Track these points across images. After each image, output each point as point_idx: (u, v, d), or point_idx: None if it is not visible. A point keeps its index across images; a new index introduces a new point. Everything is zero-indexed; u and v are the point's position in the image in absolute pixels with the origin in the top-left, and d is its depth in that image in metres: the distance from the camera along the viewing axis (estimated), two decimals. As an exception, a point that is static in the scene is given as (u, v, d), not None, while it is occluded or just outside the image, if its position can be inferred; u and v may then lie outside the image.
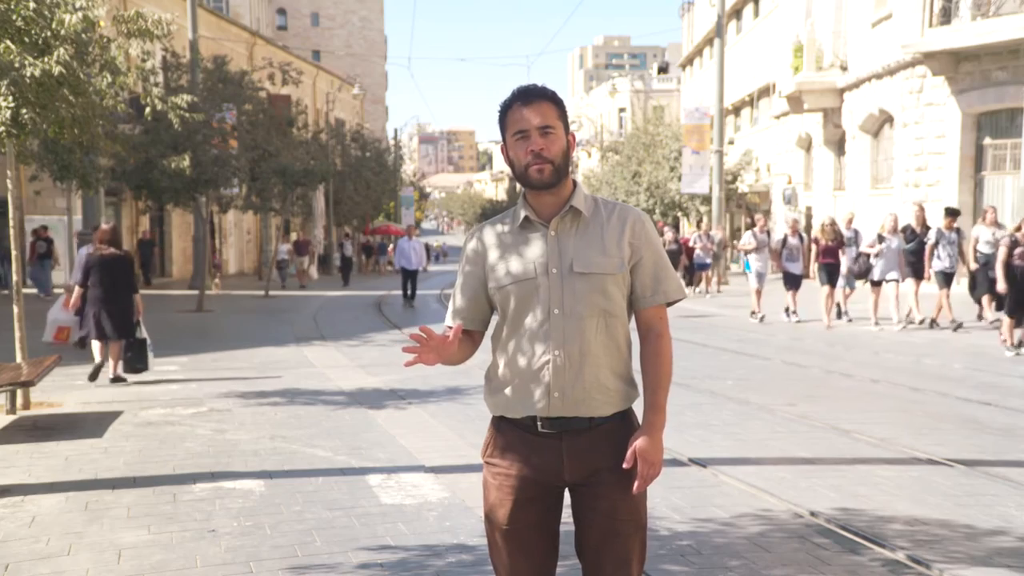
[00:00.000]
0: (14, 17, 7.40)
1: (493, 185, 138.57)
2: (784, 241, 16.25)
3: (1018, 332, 11.84)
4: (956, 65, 21.37)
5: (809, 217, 29.63)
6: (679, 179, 32.76)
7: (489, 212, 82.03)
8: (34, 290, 21.87)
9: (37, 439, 7.37)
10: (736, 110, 40.66)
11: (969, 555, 4.61)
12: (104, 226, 10.95)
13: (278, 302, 23.32)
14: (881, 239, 14.71)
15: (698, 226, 30.22)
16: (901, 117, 23.46)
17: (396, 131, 64.00)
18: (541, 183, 2.62)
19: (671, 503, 5.44)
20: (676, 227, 32.10)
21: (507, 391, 2.66)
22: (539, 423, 2.63)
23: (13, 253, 8.85)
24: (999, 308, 13.11)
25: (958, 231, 14.64)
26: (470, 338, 2.78)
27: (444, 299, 23.47)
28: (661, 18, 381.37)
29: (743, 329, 15.64)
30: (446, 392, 9.41)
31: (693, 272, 24.19)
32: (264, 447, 7.01)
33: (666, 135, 36.57)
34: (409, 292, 21.39)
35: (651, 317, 2.70)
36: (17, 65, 7.26)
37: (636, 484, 2.60)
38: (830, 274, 15.54)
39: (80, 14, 7.63)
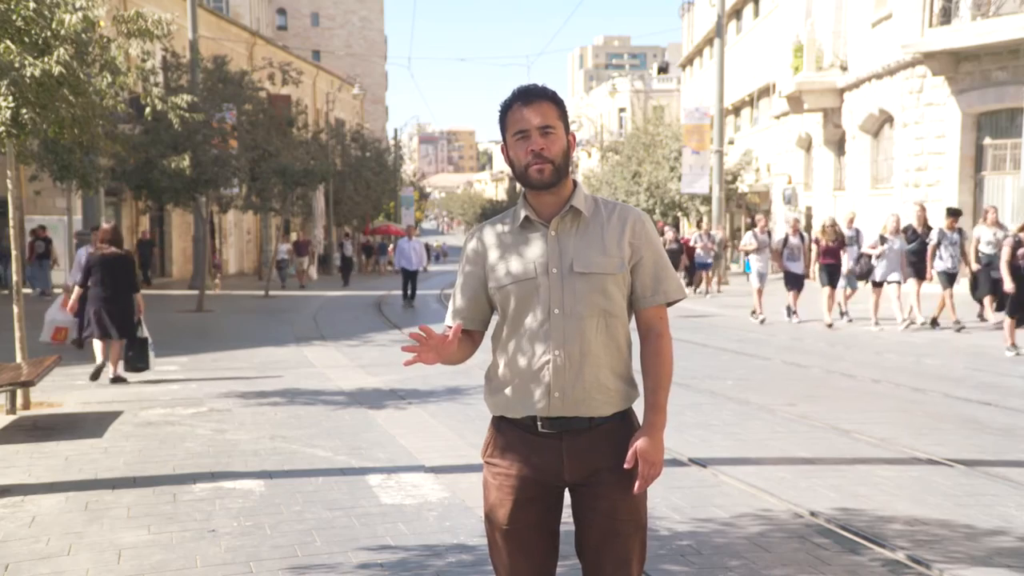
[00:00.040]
0: (14, 17, 7.40)
1: (493, 185, 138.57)
2: (785, 241, 16.23)
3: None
4: (956, 65, 21.37)
5: (809, 217, 29.63)
6: (679, 179, 32.77)
7: (489, 212, 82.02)
8: (38, 289, 21.88)
9: (37, 439, 7.37)
10: (736, 110, 40.66)
11: (969, 555, 4.61)
12: (105, 225, 10.97)
13: (278, 302, 23.32)
14: (883, 240, 14.69)
15: (698, 226, 30.22)
16: (901, 117, 23.46)
17: (396, 131, 64.05)
18: (541, 183, 2.62)
19: (671, 503, 5.44)
20: (676, 227, 32.09)
21: (507, 391, 2.66)
22: (539, 423, 2.63)
23: (13, 253, 8.85)
24: (999, 308, 13.11)
25: (960, 231, 14.62)
26: (470, 338, 2.78)
27: (444, 299, 23.47)
28: (661, 18, 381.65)
29: (743, 329, 15.64)
30: (446, 392, 9.41)
31: (694, 272, 24.18)
32: (264, 447, 7.01)
33: (666, 135, 36.57)
34: (409, 292, 21.39)
35: (651, 317, 2.70)
36: (17, 65, 7.26)
37: (637, 484, 2.60)
38: (831, 275, 15.54)
39: (80, 14, 7.64)
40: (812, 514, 5.23)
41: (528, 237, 2.67)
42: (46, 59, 7.39)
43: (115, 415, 8.25)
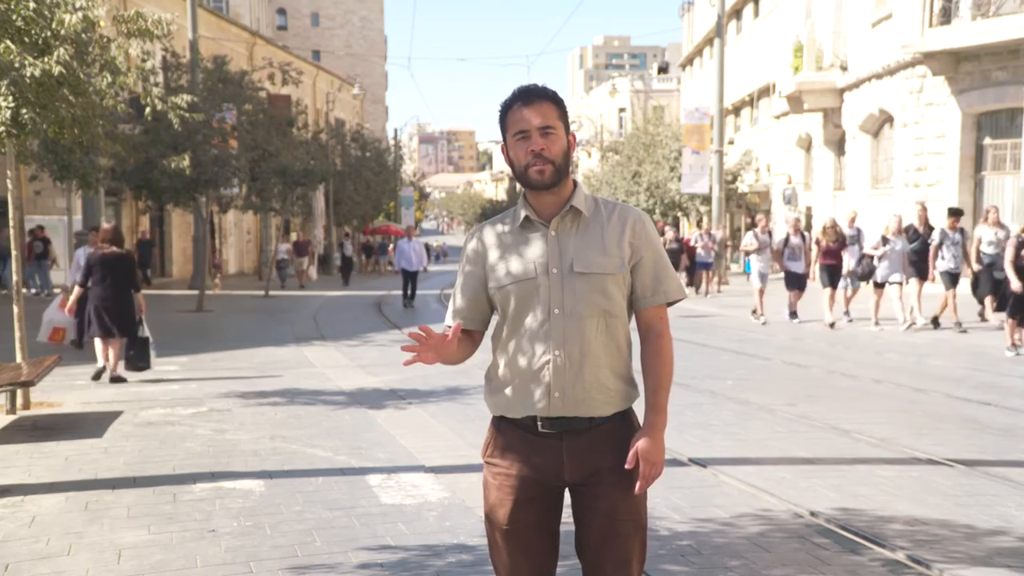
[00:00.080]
0: (14, 17, 7.40)
1: (493, 185, 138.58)
2: (786, 240, 16.20)
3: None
4: (956, 65, 21.38)
5: (809, 217, 29.64)
6: (679, 179, 32.77)
7: (489, 212, 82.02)
8: (33, 290, 21.88)
9: (37, 439, 7.37)
10: (736, 110, 40.67)
11: (969, 555, 4.61)
12: (106, 225, 10.98)
13: (278, 302, 23.32)
14: (885, 241, 14.66)
15: (698, 225, 30.22)
16: (901, 117, 23.46)
17: (396, 131, 64.04)
18: (542, 184, 2.62)
19: (671, 503, 5.44)
20: (676, 227, 32.10)
21: (507, 391, 2.66)
22: (539, 423, 2.63)
23: (13, 253, 8.85)
24: (999, 309, 13.08)
25: (962, 231, 14.59)
26: (470, 338, 2.78)
27: (444, 299, 23.47)
28: (661, 18, 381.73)
29: (743, 329, 15.64)
30: (446, 392, 9.41)
31: (695, 271, 24.17)
32: (264, 447, 7.01)
33: (666, 135, 36.58)
34: (409, 292, 21.39)
35: (651, 317, 2.70)
36: (17, 65, 7.26)
37: (638, 484, 2.60)
38: (832, 275, 15.53)
39: (80, 14, 7.63)
40: (812, 514, 5.23)
41: (528, 237, 2.67)
42: (46, 59, 7.39)
43: (115, 415, 8.25)
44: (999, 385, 9.76)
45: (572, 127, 2.73)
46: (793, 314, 16.18)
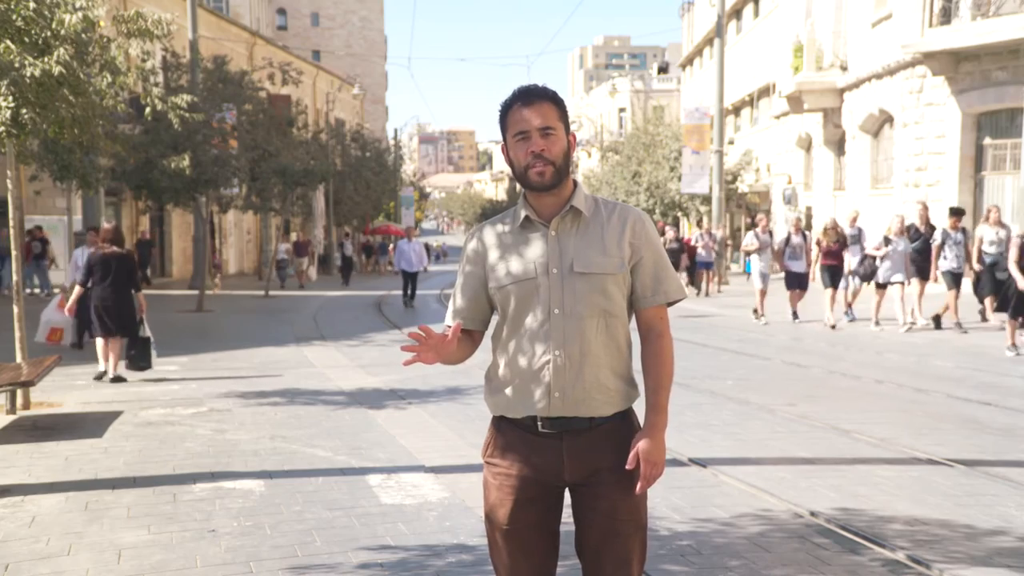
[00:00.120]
0: (14, 17, 7.40)
1: (493, 185, 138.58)
2: (787, 240, 16.19)
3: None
4: (956, 65, 21.37)
5: (809, 217, 29.64)
6: (679, 179, 32.77)
7: (489, 212, 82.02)
8: (36, 290, 21.88)
9: (37, 439, 7.37)
10: (736, 110, 40.67)
11: (969, 555, 4.61)
12: (106, 225, 10.99)
13: (278, 302, 23.32)
14: (887, 241, 14.63)
15: (698, 225, 30.20)
16: (901, 117, 23.46)
17: (396, 131, 64.04)
18: (542, 185, 2.62)
19: (671, 503, 5.44)
20: (676, 226, 32.12)
21: (507, 391, 2.66)
22: (539, 423, 2.63)
23: (13, 253, 8.86)
24: (1000, 309, 13.06)
25: (963, 231, 14.56)
26: (470, 337, 2.78)
27: (444, 299, 23.47)
28: (661, 18, 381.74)
29: (743, 329, 15.64)
30: (446, 392, 9.41)
31: (695, 271, 24.16)
32: (264, 447, 7.01)
33: (666, 135, 36.58)
34: (409, 293, 21.40)
35: (652, 317, 2.70)
36: (17, 65, 7.26)
37: (639, 485, 2.60)
38: (833, 275, 15.51)
39: (80, 14, 7.63)
40: (812, 514, 5.23)
41: (528, 237, 2.67)
42: (46, 59, 7.39)
43: (115, 415, 8.25)
44: (999, 385, 9.76)
45: (572, 127, 2.73)
46: (794, 314, 16.16)
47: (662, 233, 22.78)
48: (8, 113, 7.40)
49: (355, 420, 8.07)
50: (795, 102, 28.53)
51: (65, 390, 9.57)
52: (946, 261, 14.34)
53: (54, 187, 20.20)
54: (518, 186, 2.72)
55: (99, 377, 10.15)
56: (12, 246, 8.90)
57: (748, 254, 18.15)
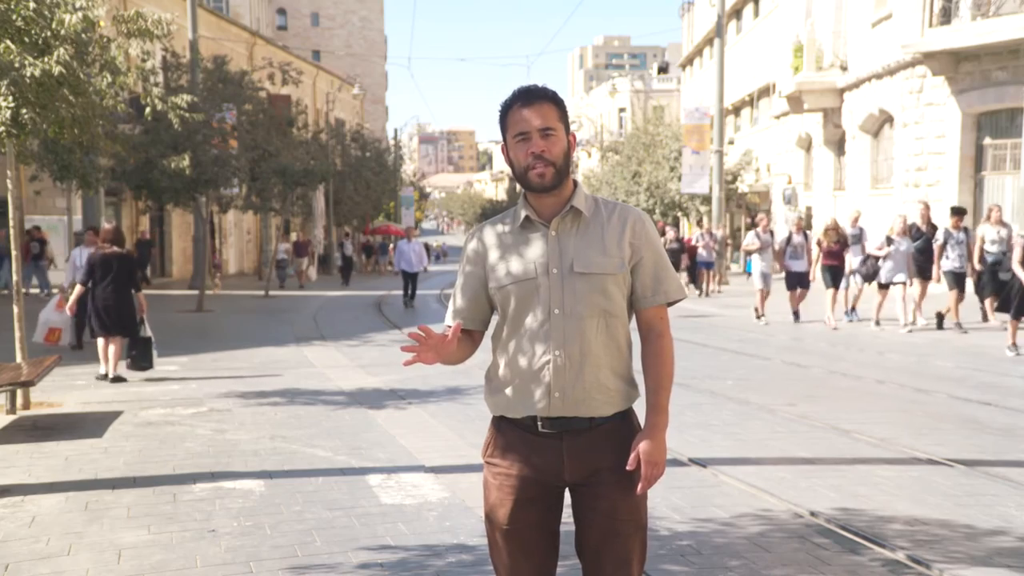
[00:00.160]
0: (14, 17, 7.40)
1: (493, 185, 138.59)
2: (788, 239, 16.15)
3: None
4: (956, 65, 21.37)
5: (809, 217, 29.63)
6: (679, 179, 32.77)
7: (489, 212, 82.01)
8: (36, 290, 21.88)
9: (37, 439, 7.37)
10: (736, 110, 40.66)
11: (969, 555, 4.61)
12: (107, 225, 11.00)
13: (278, 302, 23.32)
14: (890, 241, 14.60)
15: (699, 225, 30.19)
16: (901, 117, 23.46)
17: (396, 131, 64.04)
18: (542, 186, 2.62)
19: (671, 503, 5.44)
20: (676, 226, 32.12)
21: (507, 391, 2.66)
22: (539, 423, 2.63)
23: (13, 253, 8.86)
24: (1001, 309, 13.04)
25: (965, 230, 14.53)
26: (470, 337, 2.78)
27: (444, 299, 23.47)
28: (661, 18, 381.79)
29: (743, 329, 15.63)
30: (446, 392, 9.41)
31: (696, 271, 24.15)
32: (264, 447, 7.01)
33: (666, 135, 36.58)
34: (409, 293, 21.41)
35: (652, 317, 2.70)
36: (17, 65, 7.26)
37: (640, 485, 2.60)
38: (834, 276, 15.49)
39: (80, 14, 7.63)
40: (812, 514, 5.23)
41: (528, 237, 2.67)
42: (46, 59, 7.39)
43: (115, 415, 8.25)
44: (999, 385, 9.76)
45: (572, 127, 2.73)
46: (795, 315, 16.13)
47: (662, 233, 22.77)
48: (8, 113, 7.40)
49: (355, 420, 8.07)
50: (795, 102, 28.53)
51: (65, 390, 9.57)
52: (948, 261, 14.30)
53: (54, 187, 20.20)
54: (518, 186, 2.72)
55: (102, 378, 10.16)
56: (12, 246, 8.91)
57: (749, 254, 18.12)
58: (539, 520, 2.68)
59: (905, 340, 13.50)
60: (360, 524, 5.12)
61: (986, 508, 5.37)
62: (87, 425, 7.89)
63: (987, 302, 14.54)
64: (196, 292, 21.10)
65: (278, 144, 21.72)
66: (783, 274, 16.68)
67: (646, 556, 2.73)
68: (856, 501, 5.51)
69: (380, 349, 13.52)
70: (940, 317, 14.55)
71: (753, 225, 19.69)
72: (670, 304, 2.73)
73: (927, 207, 15.53)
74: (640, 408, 2.68)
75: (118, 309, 10.08)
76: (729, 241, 30.42)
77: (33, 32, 7.51)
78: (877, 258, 14.75)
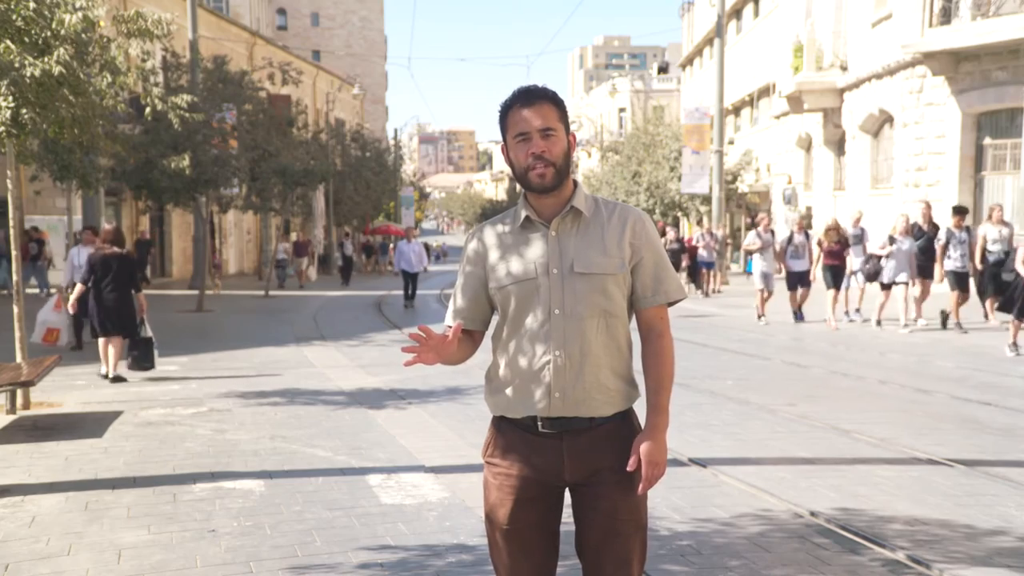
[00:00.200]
0: (14, 17, 7.40)
1: (493, 185, 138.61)
2: (790, 238, 16.11)
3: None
4: (956, 65, 21.37)
5: (809, 217, 29.63)
6: (679, 179, 32.77)
7: (489, 212, 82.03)
8: (35, 290, 21.88)
9: (37, 439, 7.37)
10: (736, 110, 40.66)
11: (969, 555, 4.61)
12: (107, 226, 11.00)
13: (278, 302, 23.32)
14: (892, 240, 14.56)
15: (699, 224, 30.19)
16: (901, 117, 23.46)
17: (396, 131, 64.04)
18: (542, 187, 2.62)
19: (671, 503, 5.44)
20: (676, 226, 32.10)
21: (508, 391, 2.66)
22: (540, 423, 2.63)
23: (13, 253, 8.86)
24: (1003, 309, 13.02)
25: (968, 229, 14.49)
26: (470, 338, 2.78)
27: (444, 299, 23.48)
28: (661, 18, 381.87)
29: (743, 329, 15.63)
30: (446, 392, 9.41)
31: (697, 271, 24.15)
32: (264, 447, 7.02)
33: (666, 135, 36.58)
34: (410, 293, 21.42)
35: (652, 317, 2.70)
36: (17, 65, 7.26)
37: (641, 485, 2.60)
38: (835, 276, 15.46)
39: (80, 14, 7.63)
40: (812, 514, 5.23)
41: (528, 237, 2.67)
42: (46, 59, 7.39)
43: (115, 415, 8.25)
44: (999, 385, 9.76)
45: (572, 127, 2.73)
46: (796, 315, 16.08)
47: (663, 233, 22.75)
48: (8, 113, 7.40)
49: (355, 420, 8.07)
50: (795, 102, 28.53)
51: (65, 390, 9.57)
52: (950, 260, 14.26)
53: (54, 187, 20.19)
54: (518, 186, 2.72)
55: (104, 377, 10.17)
56: (12, 246, 8.91)
57: (750, 253, 18.09)
58: (539, 520, 2.68)
59: (905, 340, 13.50)
60: (360, 524, 5.12)
61: (986, 508, 5.37)
62: (87, 425, 7.89)
63: (988, 302, 14.53)
64: (196, 292, 21.10)
65: (278, 144, 21.72)
66: (784, 274, 16.64)
67: (646, 556, 2.73)
68: (856, 501, 5.51)
69: (380, 349, 13.52)
70: (945, 316, 14.50)
71: (753, 225, 19.67)
72: (670, 304, 2.73)
73: (928, 206, 15.49)
74: (640, 408, 2.68)
75: (118, 310, 10.10)
76: (729, 241, 30.42)
77: (33, 32, 7.51)
78: (880, 257, 14.71)
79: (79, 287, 10.19)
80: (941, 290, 15.10)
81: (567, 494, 2.72)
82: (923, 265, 14.64)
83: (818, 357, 12.07)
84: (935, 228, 14.96)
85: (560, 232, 2.65)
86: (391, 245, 47.00)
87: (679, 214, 36.98)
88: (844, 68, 26.92)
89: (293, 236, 36.42)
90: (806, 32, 27.81)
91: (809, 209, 30.22)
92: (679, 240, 24.53)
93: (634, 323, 2.76)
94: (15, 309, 8.71)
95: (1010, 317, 12.06)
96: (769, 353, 12.54)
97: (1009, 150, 21.11)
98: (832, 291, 15.42)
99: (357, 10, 70.53)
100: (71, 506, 5.51)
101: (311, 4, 69.19)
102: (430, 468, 6.32)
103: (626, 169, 37.71)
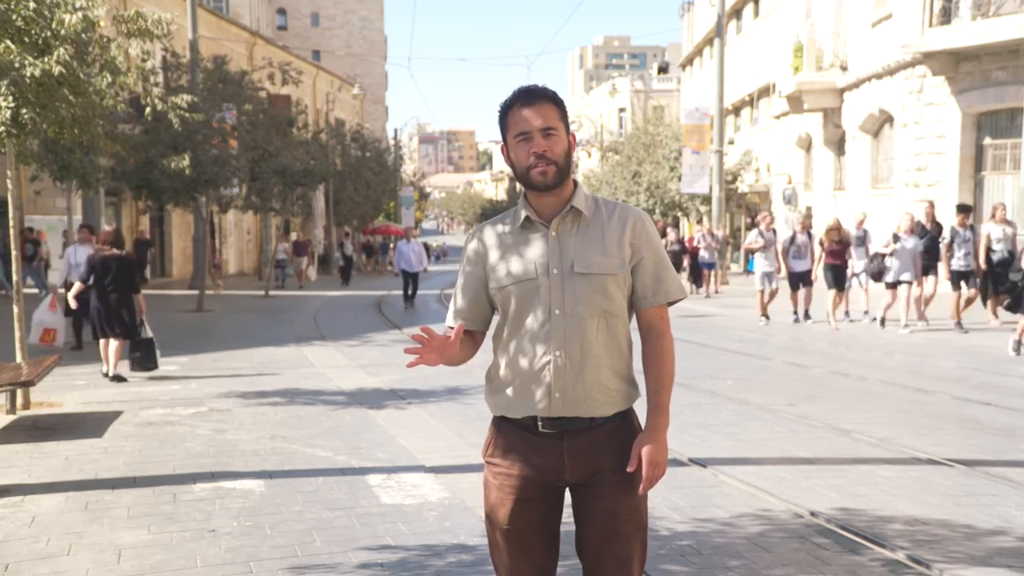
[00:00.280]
0: (14, 17, 7.40)
1: (493, 185, 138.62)
2: (793, 238, 16.07)
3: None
4: (956, 65, 21.37)
5: (809, 217, 29.62)
6: (679, 179, 32.77)
7: (489, 212, 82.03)
8: (34, 291, 21.89)
9: (37, 439, 7.37)
10: (736, 110, 40.66)
11: (969, 555, 4.61)
12: (107, 227, 11.01)
13: (278, 302, 23.32)
14: (896, 239, 14.52)
15: (699, 224, 30.17)
16: (901, 117, 23.46)
17: (396, 131, 64.05)
18: (544, 185, 2.62)
19: (671, 503, 5.44)
20: (676, 227, 32.08)
21: (508, 391, 2.66)
22: (540, 423, 2.63)
23: (13, 253, 8.86)
24: (1011, 308, 12.98)
25: (972, 228, 14.44)
26: (471, 338, 2.78)
27: (444, 299, 23.48)
28: (661, 18, 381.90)
29: (743, 329, 15.62)
30: (446, 392, 9.41)
31: (698, 272, 24.14)
32: (264, 447, 7.01)
33: (666, 135, 36.58)
34: (410, 293, 21.42)
35: (652, 317, 2.70)
36: (17, 65, 7.26)
37: (641, 486, 2.60)
38: (836, 276, 15.43)
39: (80, 14, 7.63)
40: (812, 514, 5.23)
41: (528, 237, 2.67)
42: (46, 59, 7.39)
43: (115, 415, 8.25)
44: (999, 385, 9.76)
45: (572, 127, 2.73)
46: (797, 315, 16.01)
47: (664, 234, 22.76)
48: (8, 113, 7.40)
49: (355, 420, 8.07)
50: (795, 102, 28.53)
51: (65, 390, 9.57)
52: (955, 260, 14.22)
53: (54, 187, 20.20)
54: (518, 186, 2.72)
55: (106, 376, 10.18)
56: (12, 246, 8.91)
57: (752, 252, 18.03)
58: (539, 520, 2.68)
59: (905, 340, 13.50)
60: (360, 524, 5.12)
61: (986, 508, 5.37)
62: (87, 425, 7.89)
63: (990, 302, 14.51)
64: (196, 292, 21.10)
65: (278, 144, 21.72)
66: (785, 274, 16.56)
67: (646, 556, 2.74)
68: (856, 501, 5.51)
69: (380, 349, 13.52)
70: (958, 323, 14.30)
71: (754, 224, 19.64)
72: (670, 304, 2.73)
73: (932, 206, 15.44)
74: (641, 408, 2.68)
75: (118, 311, 10.09)
76: (730, 241, 30.41)
77: (33, 32, 7.51)
78: (883, 256, 14.64)
79: (77, 285, 10.19)
80: (945, 289, 15.05)
81: (567, 494, 2.72)
82: (927, 265, 14.60)
83: (818, 357, 12.07)
84: (939, 227, 14.92)
85: (560, 232, 2.65)
86: (391, 245, 47.01)
87: (679, 214, 36.98)
88: (844, 68, 26.92)
89: (293, 236, 36.41)
90: (806, 32, 27.81)
91: (809, 209, 30.22)
92: (680, 241, 24.53)
93: (634, 323, 2.76)
94: (15, 309, 8.71)
95: (1017, 317, 12.01)
96: (769, 353, 12.54)
97: (1009, 150, 21.11)
98: (833, 291, 15.39)
99: (357, 10, 70.54)
100: (71, 506, 5.51)
101: (311, 4, 69.20)
102: (430, 468, 6.32)
103: (626, 169, 37.71)
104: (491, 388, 2.73)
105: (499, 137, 2.75)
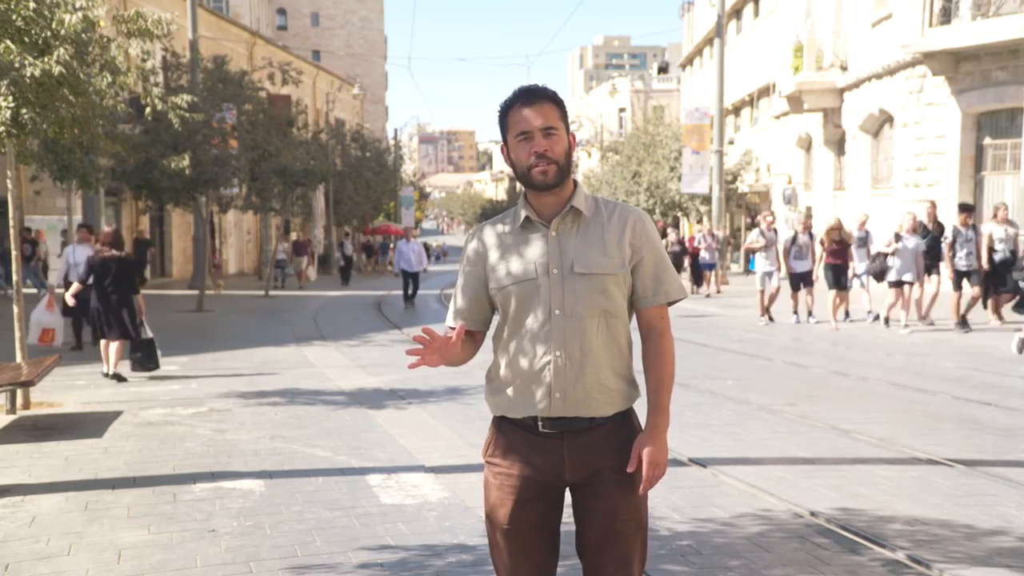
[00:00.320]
0: (14, 17, 7.40)
1: (493, 185, 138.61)
2: (794, 238, 16.04)
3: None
4: (956, 65, 21.37)
5: (809, 217, 29.61)
6: (679, 179, 32.77)
7: (489, 212, 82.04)
8: (32, 290, 21.88)
9: (37, 439, 7.37)
10: (736, 110, 40.65)
11: (969, 555, 4.61)
12: (106, 228, 11.02)
13: (278, 302, 23.33)
14: (898, 238, 14.50)
15: (700, 224, 30.17)
16: (901, 117, 23.46)
17: (396, 131, 64.03)
18: (545, 184, 2.62)
19: (671, 503, 5.44)
20: (676, 227, 32.07)
21: (508, 391, 2.66)
22: (540, 423, 2.63)
23: (13, 253, 8.86)
24: (1016, 309, 12.95)
25: (974, 228, 14.43)
26: (472, 338, 2.78)
27: (444, 299, 23.48)
28: (661, 18, 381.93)
29: (743, 329, 15.62)
30: (446, 392, 9.41)
31: (699, 272, 24.13)
32: (264, 447, 7.01)
33: (666, 135, 36.58)
34: (410, 293, 21.43)
35: (652, 317, 2.70)
36: (17, 65, 7.26)
37: (641, 486, 2.60)
38: (836, 276, 15.42)
39: (80, 14, 7.64)
40: (812, 514, 5.23)
41: (528, 237, 2.67)
42: (46, 59, 7.39)
43: (115, 415, 8.25)
44: (999, 385, 9.76)
45: (572, 127, 2.73)
46: (797, 315, 15.98)
47: (664, 235, 22.76)
48: (8, 113, 7.40)
49: (355, 420, 8.07)
50: (795, 102, 28.53)
51: (65, 390, 9.57)
52: (957, 259, 14.20)
53: (54, 187, 20.18)
54: (518, 186, 2.72)
55: (106, 375, 10.17)
56: (12, 246, 8.91)
57: (753, 252, 18.00)
58: (540, 520, 2.68)
59: (905, 340, 13.50)
60: (360, 524, 5.12)
61: (986, 508, 5.37)
62: (87, 425, 7.89)
63: (990, 303, 14.50)
64: (196, 292, 21.10)
65: (278, 144, 21.73)
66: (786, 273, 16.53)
67: (646, 556, 2.74)
68: (856, 501, 5.51)
69: (380, 349, 13.52)
70: (963, 320, 14.29)
71: (754, 224, 19.62)
72: (671, 304, 2.73)
73: (933, 205, 15.41)
74: (641, 408, 2.68)
75: (118, 312, 10.09)
76: (730, 241, 30.41)
77: (33, 32, 7.51)
78: (885, 255, 14.62)
79: (76, 284, 10.19)
80: (948, 289, 15.03)
81: (567, 494, 2.72)
82: (930, 264, 14.58)
83: (818, 357, 12.07)
84: (940, 227, 14.90)
85: (560, 232, 2.65)
86: (391, 245, 46.99)
87: (679, 214, 36.97)
88: (844, 68, 26.92)
89: (293, 236, 36.41)
90: (806, 32, 27.81)
91: (809, 209, 30.22)
92: (680, 242, 24.53)
93: (634, 323, 2.76)
94: (15, 309, 8.71)
95: (1022, 317, 11.97)
96: (769, 353, 12.54)
97: (1009, 150, 21.11)
98: (833, 291, 15.38)
99: (357, 10, 70.54)
100: (71, 506, 5.51)
101: (311, 4, 69.20)
102: (430, 468, 6.32)
103: (626, 169, 37.71)
104: (491, 388, 2.73)
105: (499, 137, 2.75)
